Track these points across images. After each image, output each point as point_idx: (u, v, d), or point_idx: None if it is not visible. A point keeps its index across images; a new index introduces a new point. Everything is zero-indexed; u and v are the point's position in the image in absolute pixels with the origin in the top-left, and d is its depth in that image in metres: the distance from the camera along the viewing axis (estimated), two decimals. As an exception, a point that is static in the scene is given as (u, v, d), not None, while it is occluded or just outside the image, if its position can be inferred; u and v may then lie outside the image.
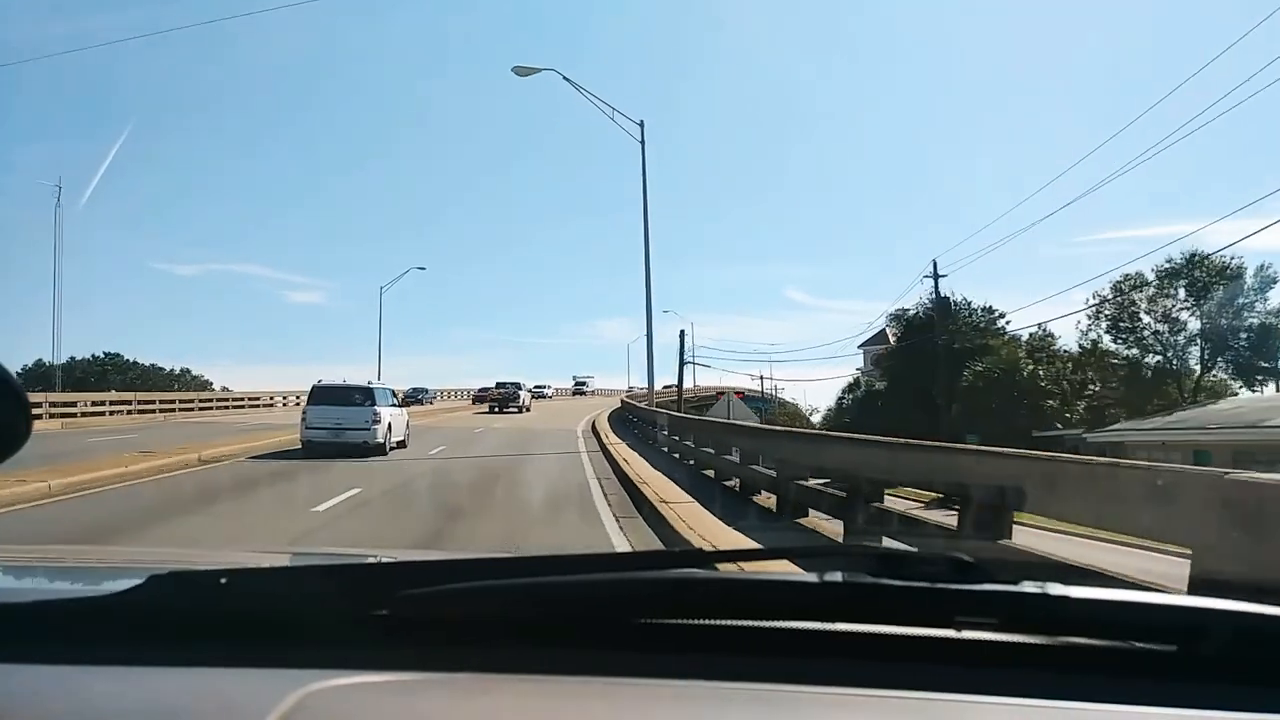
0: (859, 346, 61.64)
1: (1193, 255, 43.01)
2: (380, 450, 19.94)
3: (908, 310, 49.48)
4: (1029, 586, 0.99)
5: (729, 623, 1.01)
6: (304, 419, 20.76)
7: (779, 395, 70.95)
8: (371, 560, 1.81)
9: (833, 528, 9.09)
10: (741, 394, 46.10)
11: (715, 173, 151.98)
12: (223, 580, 1.09)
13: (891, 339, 53.39)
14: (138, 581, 1.05)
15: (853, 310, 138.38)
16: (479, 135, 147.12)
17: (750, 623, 1.00)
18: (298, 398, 37.86)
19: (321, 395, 20.71)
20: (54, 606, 1.08)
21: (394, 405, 22.18)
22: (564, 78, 24.24)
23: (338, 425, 19.75)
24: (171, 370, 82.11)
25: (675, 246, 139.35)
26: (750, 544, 7.24)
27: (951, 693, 0.91)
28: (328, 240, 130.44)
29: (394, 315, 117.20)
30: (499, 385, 53.45)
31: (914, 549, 1.08)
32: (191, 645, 0.99)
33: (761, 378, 71.33)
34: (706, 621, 1.01)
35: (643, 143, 25.38)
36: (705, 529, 8.69)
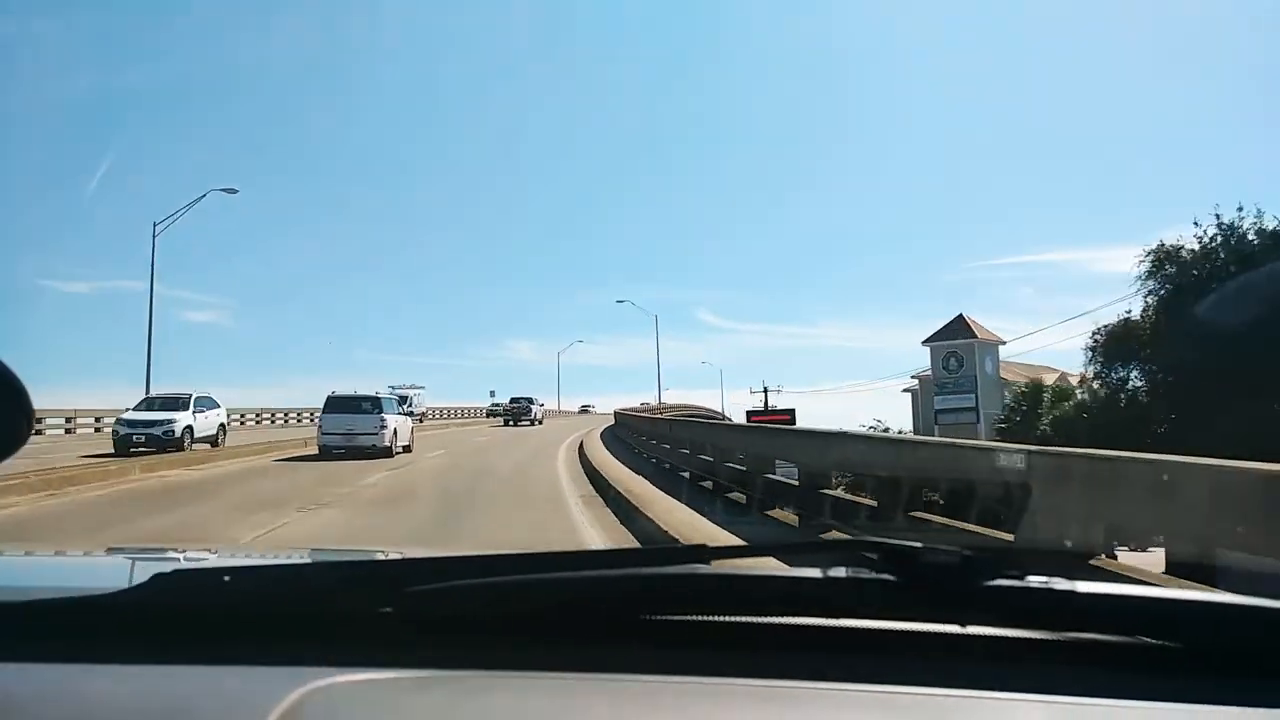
0: (924, 342, 44.89)
1: None
2: (388, 453, 21.28)
3: (1181, 245, 24.68)
4: (1034, 581, 0.96)
5: (733, 619, 0.98)
6: (320, 426, 22.50)
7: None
8: (375, 557, 1.78)
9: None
10: (781, 416, 35.56)
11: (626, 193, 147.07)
12: (226, 578, 1.07)
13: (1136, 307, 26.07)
14: (140, 580, 1.03)
15: (766, 332, 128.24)
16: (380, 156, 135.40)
17: (754, 619, 0.98)
18: (97, 420, 28.73)
19: (335, 405, 22.38)
20: (54, 606, 1.05)
21: (400, 414, 23.65)
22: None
23: (350, 431, 21.41)
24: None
25: (581, 267, 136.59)
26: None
27: (956, 688, 0.88)
28: (230, 257, 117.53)
29: (293, 335, 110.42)
30: (513, 400, 55.11)
31: (918, 544, 1.06)
32: (194, 644, 0.97)
33: (765, 390, 54.57)
34: (710, 617, 0.98)
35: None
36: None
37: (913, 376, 45.97)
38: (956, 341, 44.14)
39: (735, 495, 11.37)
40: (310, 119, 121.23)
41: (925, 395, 46.66)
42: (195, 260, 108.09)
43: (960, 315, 44.51)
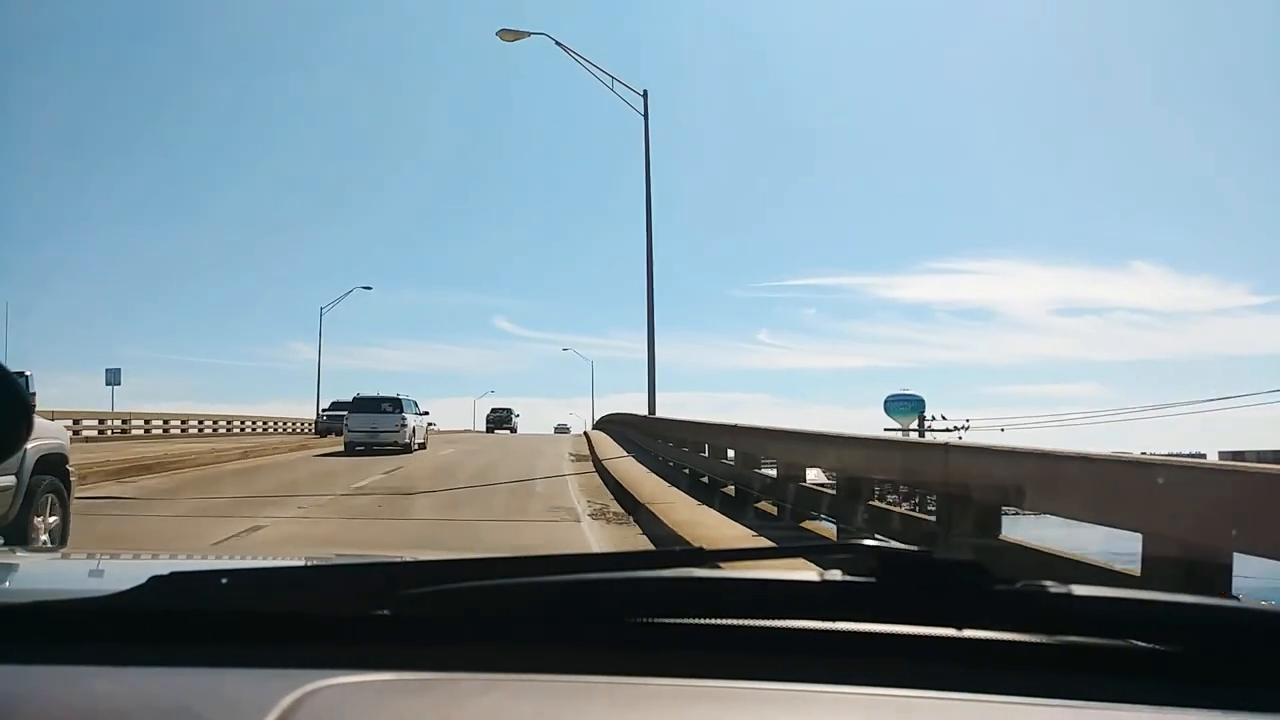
0: None
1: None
2: (406, 449, 23.46)
3: None
4: (1030, 584, 0.93)
5: (730, 622, 0.94)
6: (346, 425, 24.50)
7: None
8: (372, 560, 1.77)
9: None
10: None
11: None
12: (223, 580, 1.04)
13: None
14: (138, 581, 0.99)
15: (562, 341, 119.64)
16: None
17: (751, 622, 0.94)
18: None
19: (361, 405, 24.37)
20: (54, 606, 1.02)
21: (417, 414, 25.79)
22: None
23: (373, 429, 23.54)
24: None
25: (363, 269, 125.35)
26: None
27: (953, 691, 0.85)
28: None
29: (46, 328, 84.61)
30: (494, 410, 59.44)
31: (914, 547, 1.05)
32: (191, 645, 0.93)
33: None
34: (707, 621, 0.95)
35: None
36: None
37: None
38: None
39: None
40: (62, 91, 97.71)
41: None
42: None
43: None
